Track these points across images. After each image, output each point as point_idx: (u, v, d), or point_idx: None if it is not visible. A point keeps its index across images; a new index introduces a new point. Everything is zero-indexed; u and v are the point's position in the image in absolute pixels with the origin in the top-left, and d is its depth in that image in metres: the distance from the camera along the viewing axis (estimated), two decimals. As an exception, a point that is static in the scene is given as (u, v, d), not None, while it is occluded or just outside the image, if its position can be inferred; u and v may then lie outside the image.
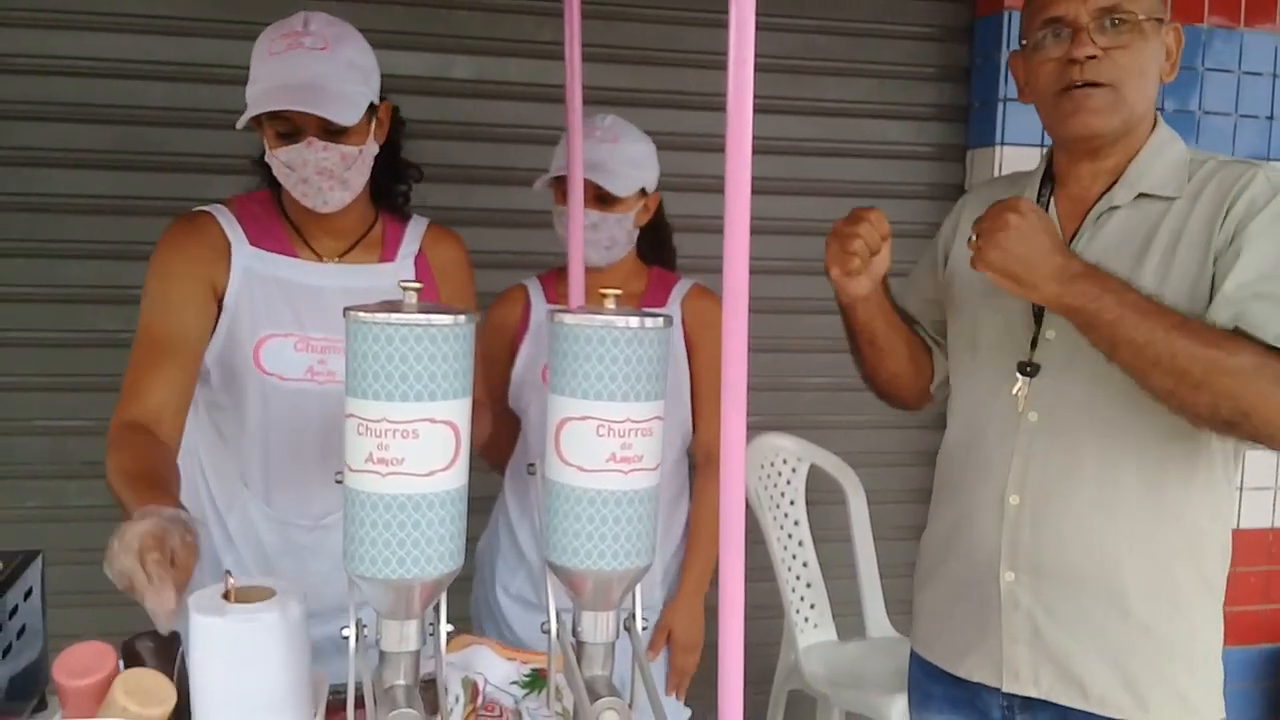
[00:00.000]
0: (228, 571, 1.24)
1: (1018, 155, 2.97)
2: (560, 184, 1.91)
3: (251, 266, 1.63)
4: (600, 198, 1.89)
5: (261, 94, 1.52)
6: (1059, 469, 1.48)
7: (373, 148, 1.62)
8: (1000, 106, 2.98)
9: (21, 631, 1.42)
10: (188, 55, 2.67)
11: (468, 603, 2.15)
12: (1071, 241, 1.50)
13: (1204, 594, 1.48)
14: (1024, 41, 1.53)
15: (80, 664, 1.22)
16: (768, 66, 2.93)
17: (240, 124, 1.53)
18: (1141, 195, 1.48)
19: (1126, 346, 1.32)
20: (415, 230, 1.78)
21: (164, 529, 1.22)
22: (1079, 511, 1.47)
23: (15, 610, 1.41)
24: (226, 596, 1.21)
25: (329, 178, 1.57)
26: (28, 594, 1.46)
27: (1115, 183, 1.50)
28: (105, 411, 1.67)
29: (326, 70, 1.53)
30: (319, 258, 1.68)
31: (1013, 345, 1.54)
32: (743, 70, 0.87)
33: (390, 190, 1.76)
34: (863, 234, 1.50)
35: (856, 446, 3.07)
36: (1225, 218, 1.39)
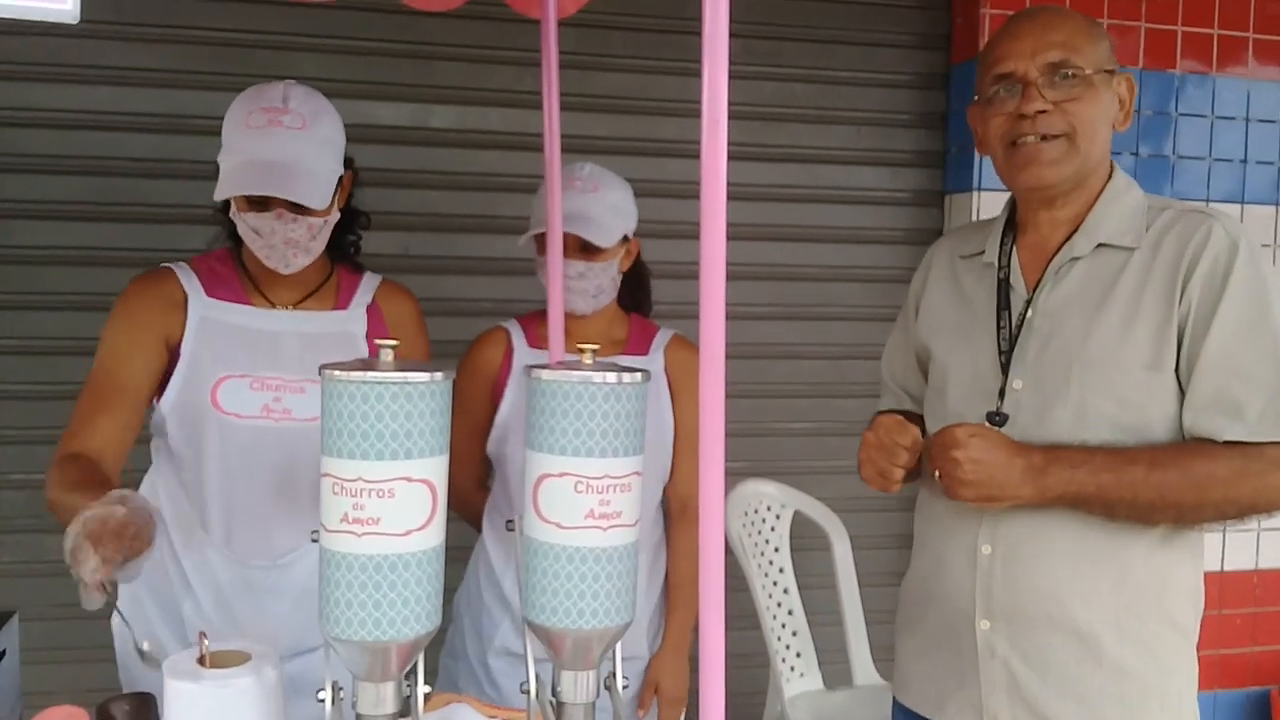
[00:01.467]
0: (202, 633, 1.22)
1: (995, 200, 2.98)
2: (542, 238, 1.92)
3: (208, 315, 1.69)
4: (585, 247, 1.88)
5: (239, 170, 1.57)
6: (1028, 518, 1.48)
7: (334, 216, 1.68)
8: (976, 152, 3.00)
9: (-9, 695, 1.40)
10: (166, 107, 2.68)
11: (437, 655, 2.11)
12: (1033, 291, 1.53)
13: (1175, 636, 1.49)
14: (976, 96, 1.57)
15: (51, 728, 1.19)
16: (745, 114, 3.00)
17: (218, 197, 1.58)
18: (1101, 245, 1.50)
19: (1120, 506, 1.41)
20: (369, 284, 1.83)
21: (111, 510, 1.25)
22: (1049, 560, 1.48)
23: (-15, 673, 1.38)
24: (201, 661, 1.19)
25: (294, 247, 1.63)
26: (1, 655, 1.44)
27: (1075, 232, 1.52)
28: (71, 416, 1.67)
29: (303, 151, 1.58)
30: (272, 305, 1.73)
31: (981, 394, 1.54)
32: (716, 120, 0.87)
33: (341, 242, 1.79)
34: (902, 464, 1.53)
35: (840, 492, 3.06)
36: (1189, 276, 1.42)
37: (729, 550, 2.77)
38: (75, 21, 1.06)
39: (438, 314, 2.36)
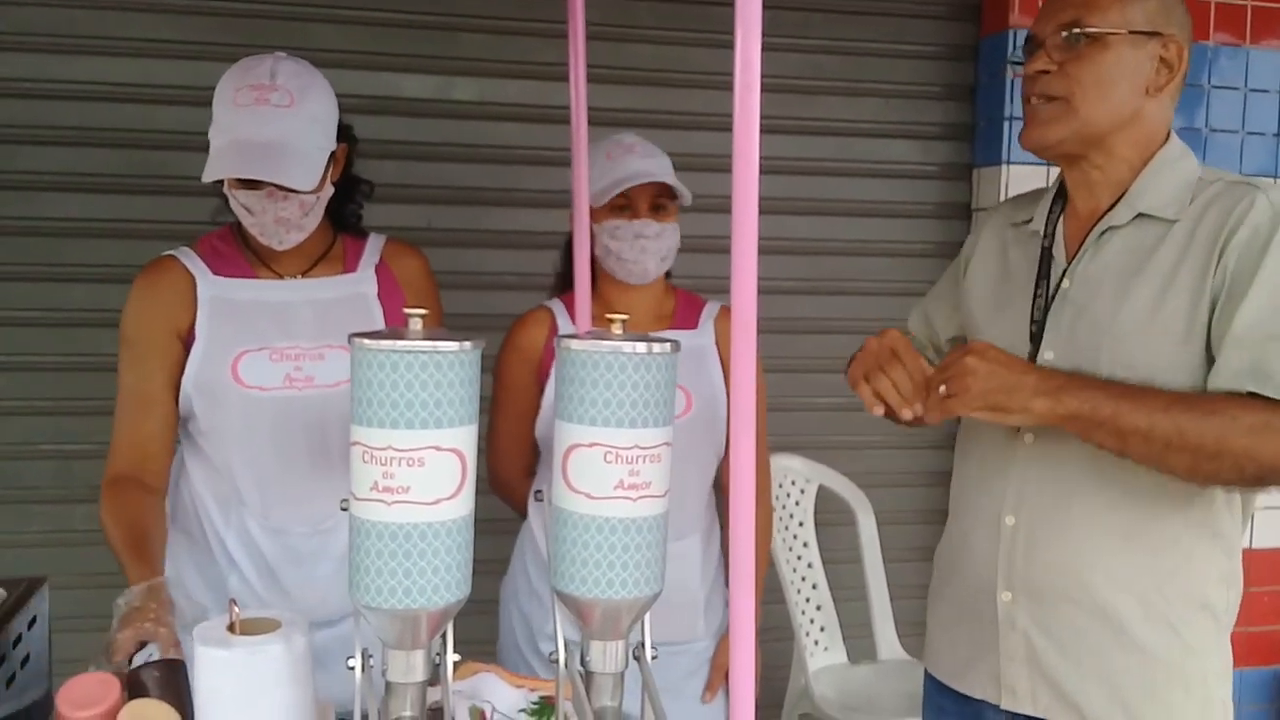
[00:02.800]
0: (232, 601, 1.23)
1: (1024, 173, 2.96)
2: (609, 205, 1.88)
3: (217, 294, 1.70)
4: (656, 208, 1.87)
5: (226, 150, 1.56)
6: (1053, 491, 1.47)
7: (328, 190, 1.68)
8: (1006, 125, 2.98)
9: (26, 661, 1.41)
10: (192, 79, 2.68)
11: (489, 625, 2.09)
12: (1072, 261, 1.50)
13: (1203, 617, 1.47)
14: None
15: (84, 695, 1.20)
16: (774, 87, 2.96)
17: (206, 178, 1.55)
18: (1141, 216, 1.46)
19: (1134, 437, 1.33)
20: (375, 244, 1.83)
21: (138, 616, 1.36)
22: (1073, 534, 1.46)
23: (19, 639, 1.40)
24: (231, 628, 1.20)
25: (285, 225, 1.63)
26: (32, 622, 1.45)
27: (1118, 201, 1.49)
28: (109, 434, 1.71)
29: (291, 129, 1.56)
30: (279, 276, 1.73)
31: None
32: (749, 92, 0.85)
33: (342, 211, 1.79)
34: (895, 380, 1.43)
35: (866, 467, 3.06)
36: (1226, 245, 1.37)
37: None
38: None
39: (460, 287, 2.37)
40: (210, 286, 1.70)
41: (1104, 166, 1.49)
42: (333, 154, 1.66)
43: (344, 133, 1.72)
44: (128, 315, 1.71)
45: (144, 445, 1.68)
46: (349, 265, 1.78)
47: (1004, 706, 1.54)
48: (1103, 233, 1.48)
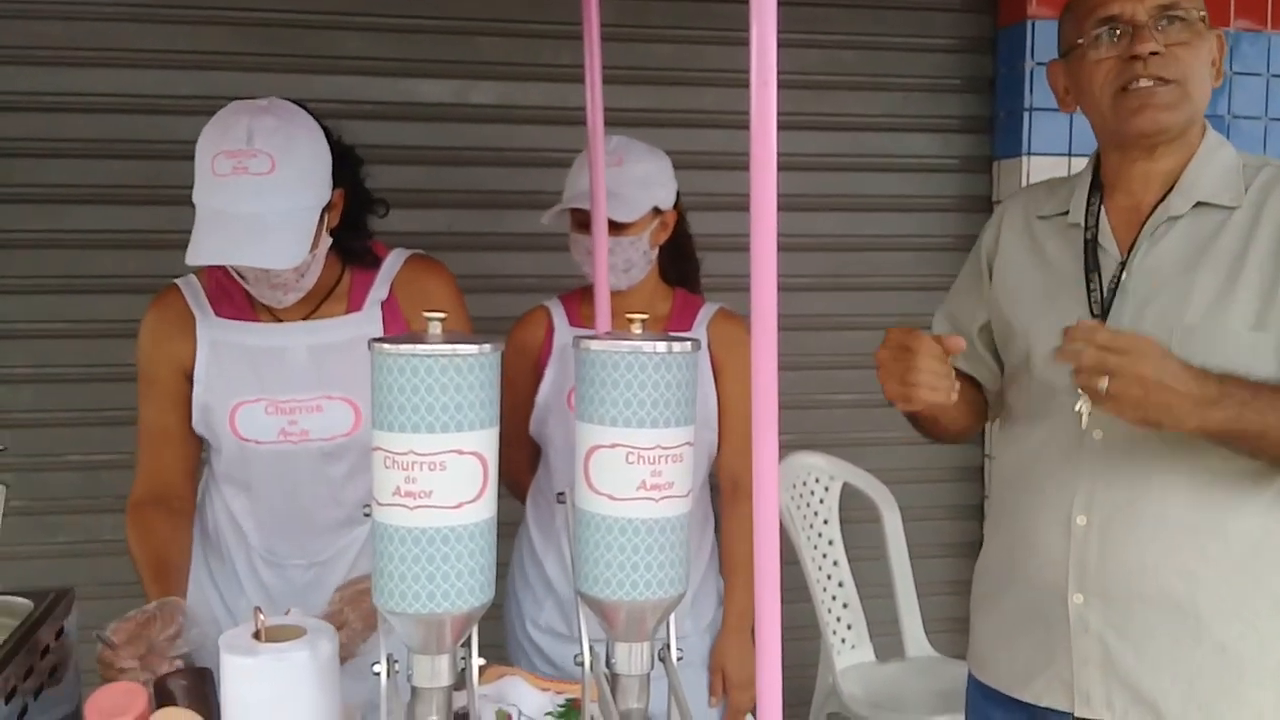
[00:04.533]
0: (257, 608, 1.23)
1: (1044, 165, 2.93)
2: (575, 213, 1.91)
3: (216, 338, 1.67)
4: (610, 222, 1.86)
5: (207, 226, 1.47)
6: (1126, 488, 1.43)
7: (326, 242, 1.61)
8: (1025, 116, 2.95)
9: (54, 671, 1.42)
10: (211, 89, 2.69)
11: (500, 630, 2.13)
12: (1129, 254, 1.48)
13: (1276, 610, 1.43)
14: (1067, 48, 1.51)
15: (112, 703, 1.21)
16: (791, 83, 2.95)
17: (190, 260, 1.47)
18: (1200, 204, 1.44)
19: (1274, 448, 1.34)
20: (388, 273, 1.73)
21: (140, 623, 1.39)
22: (1148, 531, 1.42)
23: (47, 650, 1.40)
24: (257, 635, 1.20)
25: (281, 288, 1.58)
26: (59, 633, 1.46)
27: (1170, 190, 1.46)
28: (134, 444, 1.73)
29: (272, 200, 1.47)
30: (279, 320, 1.67)
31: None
32: (765, 88, 0.85)
33: (351, 245, 1.70)
34: (924, 369, 1.41)
35: (889, 463, 3.03)
36: None
37: (780, 524, 2.75)
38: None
39: (482, 290, 2.37)
40: (210, 328, 1.67)
41: (1171, 154, 1.47)
42: (328, 204, 1.58)
43: (345, 166, 1.64)
44: (139, 350, 1.71)
45: (164, 474, 1.70)
46: (354, 303, 1.70)
47: (1078, 714, 1.49)
48: (1159, 224, 1.46)
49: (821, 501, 2.90)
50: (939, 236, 3.14)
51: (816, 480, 2.90)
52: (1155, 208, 1.47)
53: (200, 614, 1.47)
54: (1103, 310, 1.47)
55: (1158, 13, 1.41)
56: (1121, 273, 1.47)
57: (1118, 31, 1.43)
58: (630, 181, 1.88)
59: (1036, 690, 1.54)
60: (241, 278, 1.58)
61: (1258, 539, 1.41)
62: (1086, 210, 1.54)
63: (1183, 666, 1.43)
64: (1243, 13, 3.05)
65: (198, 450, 1.74)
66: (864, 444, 3.07)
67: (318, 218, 1.55)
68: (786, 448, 2.86)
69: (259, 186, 1.46)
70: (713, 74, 2.91)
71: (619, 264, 1.89)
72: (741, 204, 0.91)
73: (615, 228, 1.85)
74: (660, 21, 2.92)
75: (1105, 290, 1.48)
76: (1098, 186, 1.55)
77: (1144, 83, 1.42)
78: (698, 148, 2.74)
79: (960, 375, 1.58)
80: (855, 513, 2.93)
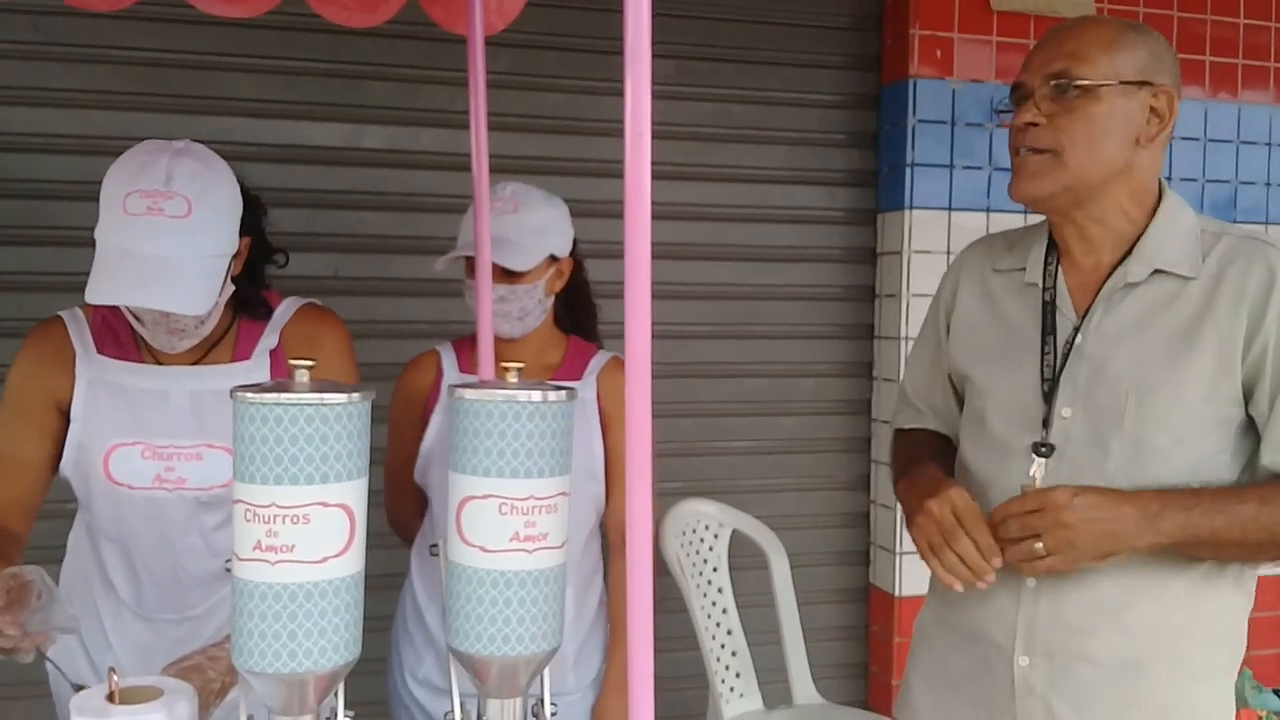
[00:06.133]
0: (111, 669, 1.17)
1: (926, 219, 3.03)
2: (472, 260, 1.89)
3: (96, 376, 1.61)
4: (504, 270, 1.85)
5: (112, 264, 1.43)
6: None
7: (229, 289, 1.57)
8: (908, 171, 3.04)
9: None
10: (86, 129, 2.63)
11: (380, 685, 2.07)
12: (1084, 318, 1.48)
13: (1213, 675, 1.46)
14: None
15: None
16: (683, 135, 3.00)
17: (89, 299, 1.42)
18: (1157, 271, 1.44)
19: (1230, 548, 1.37)
20: (277, 323, 1.69)
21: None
22: (1095, 594, 1.42)
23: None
24: (110, 698, 1.15)
25: (178, 334, 1.55)
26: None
27: (1127, 255, 1.46)
28: None
29: (185, 246, 1.43)
30: (158, 362, 1.62)
31: (1025, 423, 1.48)
32: (640, 134, 0.86)
33: (244, 295, 1.66)
34: (962, 552, 1.39)
35: (778, 509, 3.06)
36: (1261, 311, 1.38)
37: (666, 570, 2.75)
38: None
39: (371, 336, 2.34)
40: (90, 366, 1.61)
41: (1103, 219, 1.46)
42: (235, 252, 1.55)
43: (252, 214, 1.61)
44: (12, 374, 1.64)
45: (3, 505, 1.60)
46: (242, 352, 1.66)
47: None
48: (1116, 290, 1.46)
49: (711, 549, 2.90)
50: (826, 286, 3.20)
51: (706, 527, 2.91)
52: (1113, 271, 1.47)
53: (59, 596, 1.38)
54: (1054, 375, 1.46)
55: (1047, 81, 1.42)
56: (1076, 335, 1.47)
57: (1018, 100, 1.47)
58: (526, 229, 1.87)
59: None
60: (137, 319, 1.53)
61: (1200, 604, 1.43)
62: (1045, 270, 1.53)
63: None
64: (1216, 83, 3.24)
65: (43, 490, 1.65)
66: (754, 491, 3.10)
67: (226, 266, 1.52)
68: (676, 495, 2.87)
69: (173, 229, 1.42)
70: (603, 124, 2.93)
71: (513, 311, 1.88)
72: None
73: (510, 275, 1.84)
74: (552, 71, 2.94)
75: (1059, 354, 1.47)
76: (1054, 245, 1.54)
77: (1022, 152, 1.45)
78: (588, 196, 2.75)
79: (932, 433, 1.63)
80: (744, 560, 2.94)
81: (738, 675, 2.84)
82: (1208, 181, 3.29)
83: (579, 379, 1.95)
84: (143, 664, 1.63)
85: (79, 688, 1.30)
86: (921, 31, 3.01)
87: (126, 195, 1.43)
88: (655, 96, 0.86)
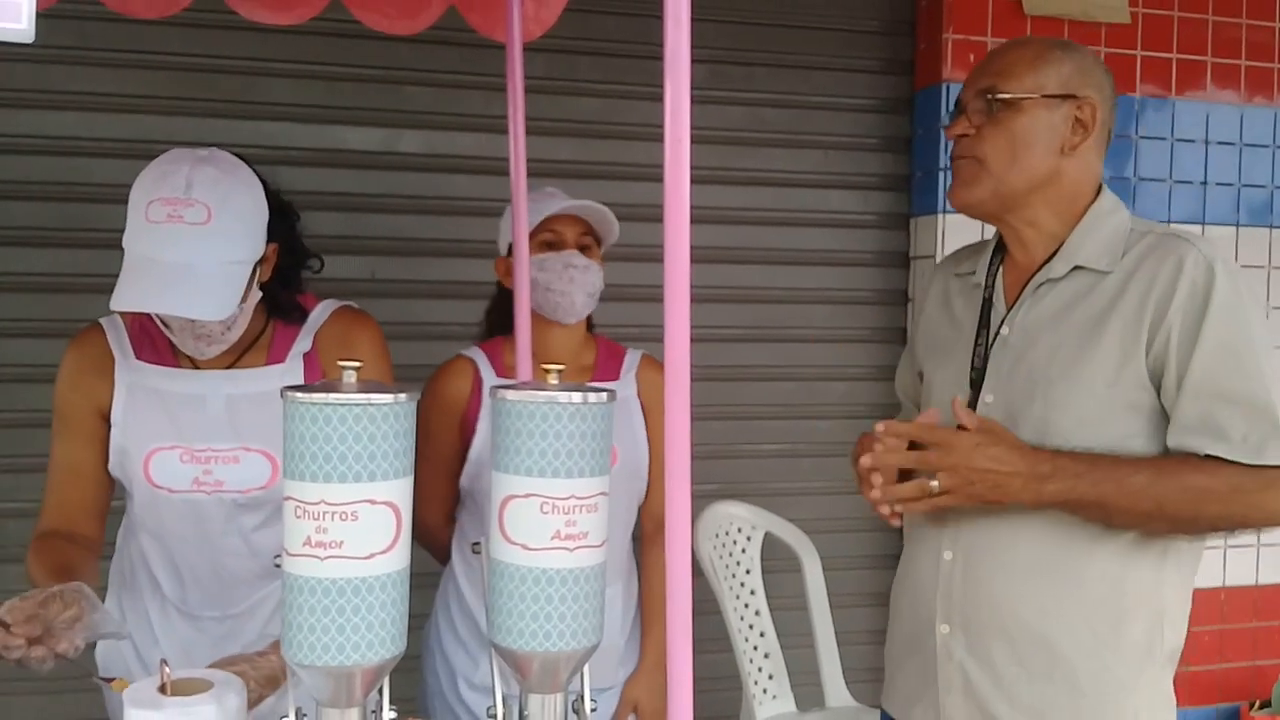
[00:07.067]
0: (163, 661, 1.20)
1: (959, 223, 3.01)
2: (540, 232, 1.90)
3: (134, 381, 1.64)
4: (583, 247, 1.89)
5: (136, 271, 1.46)
6: (987, 528, 1.51)
7: (256, 295, 1.60)
8: (940, 175, 3.04)
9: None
10: (132, 132, 2.67)
11: (413, 683, 2.08)
12: (1009, 311, 1.56)
13: (1136, 655, 1.49)
14: None
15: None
16: (716, 139, 3.01)
17: (114, 306, 1.45)
18: (1077, 268, 1.52)
19: (1119, 515, 1.42)
20: (312, 325, 1.71)
21: (38, 602, 1.34)
22: (1008, 568, 1.50)
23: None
24: (163, 689, 1.18)
25: (206, 340, 1.57)
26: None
27: (1055, 254, 1.55)
28: (41, 491, 1.68)
29: (205, 251, 1.45)
30: (196, 367, 1.64)
31: None
32: (679, 144, 0.88)
33: (277, 299, 1.68)
34: (877, 464, 1.50)
35: (811, 513, 3.07)
36: (1166, 301, 1.43)
37: (700, 572, 2.76)
38: (30, 41, 1.03)
39: (406, 338, 2.36)
40: (128, 372, 1.64)
41: (1034, 223, 1.56)
42: (261, 258, 1.56)
43: (282, 220, 1.63)
44: (58, 387, 1.68)
45: (70, 512, 1.66)
46: (276, 355, 1.67)
47: None
48: (1039, 285, 1.55)
49: (744, 551, 2.91)
50: (858, 290, 3.21)
51: (739, 530, 2.92)
52: (1040, 268, 1.56)
53: (105, 608, 1.41)
54: (983, 362, 1.56)
55: (976, 95, 1.53)
56: (1002, 327, 1.56)
57: (957, 113, 1.57)
58: (590, 210, 1.92)
59: (915, 716, 1.62)
60: (166, 325, 1.56)
61: (1115, 582, 1.48)
62: (989, 271, 1.63)
63: (1036, 700, 1.50)
64: (1148, 79, 3.19)
65: (108, 493, 1.71)
66: (786, 494, 3.11)
67: (249, 272, 1.53)
68: (709, 497, 2.88)
69: (193, 236, 1.44)
70: (636, 128, 2.95)
71: (588, 286, 1.90)
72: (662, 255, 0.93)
73: (589, 251, 1.92)
74: (586, 76, 2.97)
75: (988, 344, 1.57)
76: (1002, 248, 1.64)
77: (957, 162, 1.57)
78: (621, 200, 2.77)
79: None
80: (777, 562, 2.95)
81: (770, 677, 2.85)
82: (1243, 186, 3.28)
83: (616, 379, 1.96)
84: (186, 660, 1.65)
85: (106, 680, 1.36)
86: (955, 36, 3.02)
87: (149, 203, 1.46)
88: (691, 101, 0.88)
